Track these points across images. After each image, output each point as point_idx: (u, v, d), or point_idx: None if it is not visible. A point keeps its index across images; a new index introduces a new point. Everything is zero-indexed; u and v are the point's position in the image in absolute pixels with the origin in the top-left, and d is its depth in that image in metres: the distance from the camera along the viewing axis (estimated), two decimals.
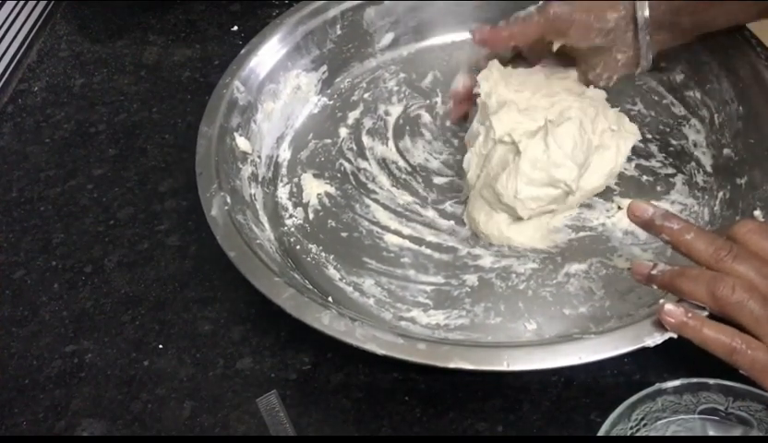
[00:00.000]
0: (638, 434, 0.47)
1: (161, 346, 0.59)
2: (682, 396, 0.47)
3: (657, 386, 0.46)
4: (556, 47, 0.64)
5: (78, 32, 0.87)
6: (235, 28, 0.85)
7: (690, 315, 0.48)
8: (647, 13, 0.60)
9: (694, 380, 0.46)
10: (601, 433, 0.45)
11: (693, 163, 0.66)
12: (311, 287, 0.58)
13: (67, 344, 0.59)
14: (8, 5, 0.83)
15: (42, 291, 0.63)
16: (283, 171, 0.70)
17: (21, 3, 0.85)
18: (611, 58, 0.63)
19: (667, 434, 0.47)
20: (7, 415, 0.56)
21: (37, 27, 0.87)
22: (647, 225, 0.51)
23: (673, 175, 0.65)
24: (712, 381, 0.46)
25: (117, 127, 0.76)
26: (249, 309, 0.60)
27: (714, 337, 0.47)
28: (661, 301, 0.49)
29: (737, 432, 0.47)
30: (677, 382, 0.46)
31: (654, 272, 0.50)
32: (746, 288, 0.47)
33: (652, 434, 0.47)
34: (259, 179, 0.67)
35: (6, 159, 0.74)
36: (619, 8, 0.60)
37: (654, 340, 0.48)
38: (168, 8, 0.88)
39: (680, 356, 0.49)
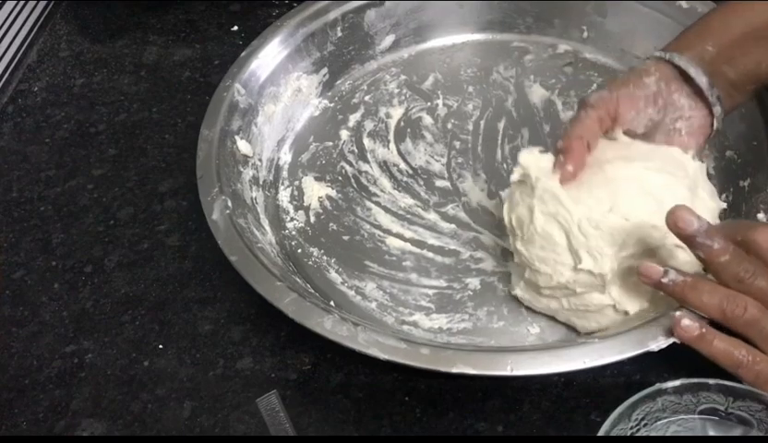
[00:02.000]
0: (638, 434, 0.47)
1: (161, 346, 0.59)
2: (682, 396, 0.47)
3: (657, 386, 0.46)
4: (618, 134, 0.58)
5: (78, 32, 0.87)
6: (235, 28, 0.85)
7: (704, 329, 0.48)
8: (690, 69, 0.56)
9: (694, 380, 0.46)
10: (601, 433, 0.45)
11: None
12: (313, 291, 0.58)
13: (67, 344, 0.59)
14: (8, 5, 0.83)
15: (42, 291, 0.63)
16: (284, 174, 0.70)
17: (21, 3, 0.85)
18: (673, 130, 0.59)
19: (667, 434, 0.47)
20: (7, 415, 0.56)
21: (37, 27, 0.87)
22: (687, 239, 0.48)
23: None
24: (712, 381, 0.46)
25: (117, 127, 0.76)
26: (249, 309, 0.60)
27: (724, 350, 0.47)
28: (677, 313, 0.48)
29: (737, 432, 0.47)
30: (677, 382, 0.46)
31: (664, 280, 0.49)
32: (758, 307, 0.47)
33: (652, 434, 0.47)
34: (260, 182, 0.67)
35: (6, 159, 0.74)
36: (650, 70, 0.57)
37: (659, 344, 0.48)
38: (168, 8, 0.88)
39: (680, 357, 0.49)
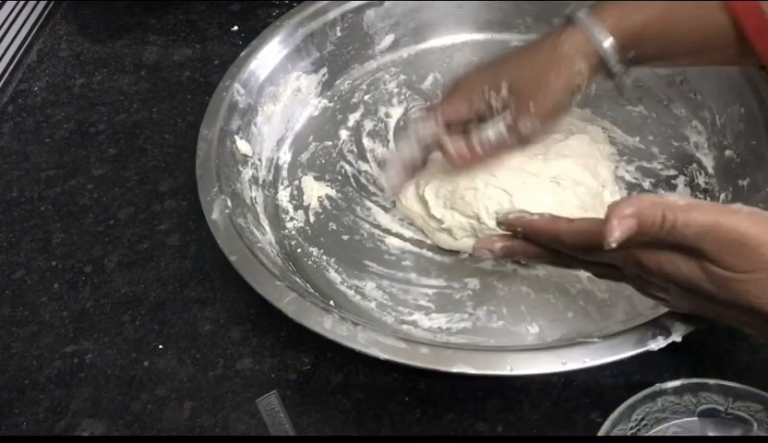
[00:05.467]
0: (638, 434, 0.47)
1: (161, 346, 0.59)
2: (682, 396, 0.47)
3: (657, 386, 0.46)
4: None
5: (78, 32, 0.87)
6: (235, 28, 0.85)
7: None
8: (607, 44, 0.54)
9: (694, 380, 0.46)
10: (601, 433, 0.45)
11: (695, 165, 0.66)
12: (312, 291, 0.58)
13: (67, 344, 0.59)
14: (8, 5, 0.83)
15: (42, 291, 0.63)
16: (284, 173, 0.70)
17: (21, 3, 0.85)
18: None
19: (667, 434, 0.47)
20: (7, 415, 0.56)
21: (37, 27, 0.87)
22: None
23: (675, 177, 0.65)
24: (712, 381, 0.46)
25: (117, 127, 0.76)
26: (249, 309, 0.60)
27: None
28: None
29: (737, 432, 0.47)
30: (677, 382, 0.46)
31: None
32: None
33: (652, 434, 0.47)
34: (260, 182, 0.67)
35: (6, 159, 0.74)
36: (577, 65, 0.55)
37: (658, 343, 0.48)
38: (168, 8, 0.88)
39: (680, 357, 0.49)
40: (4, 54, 0.82)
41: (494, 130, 0.57)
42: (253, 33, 0.73)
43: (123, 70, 0.82)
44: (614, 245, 0.42)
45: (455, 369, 0.48)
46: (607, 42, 0.54)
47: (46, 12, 0.89)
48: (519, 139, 0.57)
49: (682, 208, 0.42)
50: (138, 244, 0.66)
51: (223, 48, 0.83)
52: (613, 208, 0.42)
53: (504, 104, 0.57)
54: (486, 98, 0.57)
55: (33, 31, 0.86)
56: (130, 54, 0.84)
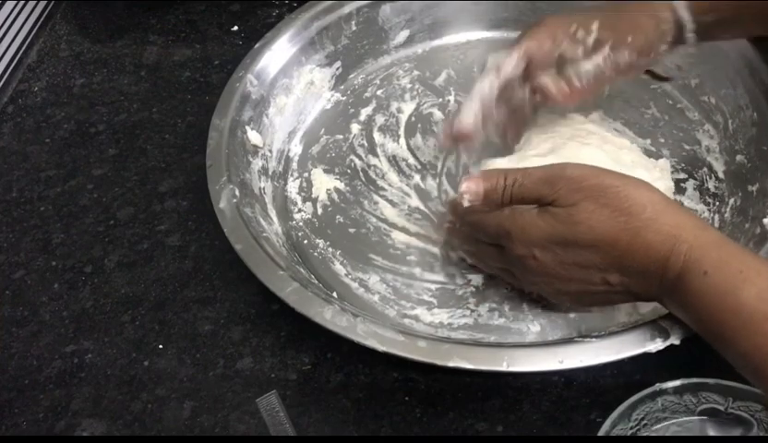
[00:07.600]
0: (638, 434, 0.47)
1: (161, 346, 0.59)
2: (682, 396, 0.47)
3: (657, 386, 0.46)
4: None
5: (78, 32, 0.87)
6: (235, 28, 0.85)
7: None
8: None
9: (694, 380, 0.46)
10: (601, 433, 0.45)
11: (705, 169, 0.66)
12: (316, 282, 0.58)
13: (67, 344, 0.59)
14: (8, 5, 0.83)
15: (42, 291, 0.63)
16: (294, 165, 0.70)
17: (21, 3, 0.85)
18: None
19: (667, 434, 0.47)
20: (7, 415, 0.56)
21: (37, 27, 0.87)
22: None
23: (684, 181, 0.65)
24: (712, 381, 0.46)
25: (117, 127, 0.76)
26: (249, 309, 0.60)
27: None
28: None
29: (737, 432, 0.47)
30: (677, 382, 0.46)
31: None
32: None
33: (652, 434, 0.47)
34: (270, 173, 0.67)
35: (6, 159, 0.74)
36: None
37: (656, 345, 0.48)
38: (168, 8, 0.88)
39: (680, 357, 0.49)
40: (4, 54, 0.82)
41: (591, 63, 0.58)
42: (253, 33, 0.73)
43: (123, 70, 0.82)
44: (466, 198, 0.51)
45: (451, 364, 0.48)
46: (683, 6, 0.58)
47: (46, 12, 0.89)
48: (617, 71, 0.59)
49: (523, 169, 0.51)
50: (138, 244, 0.66)
51: (223, 48, 0.83)
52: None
53: (595, 43, 0.58)
54: (572, 34, 0.58)
55: (33, 31, 0.86)
56: (130, 54, 0.84)
